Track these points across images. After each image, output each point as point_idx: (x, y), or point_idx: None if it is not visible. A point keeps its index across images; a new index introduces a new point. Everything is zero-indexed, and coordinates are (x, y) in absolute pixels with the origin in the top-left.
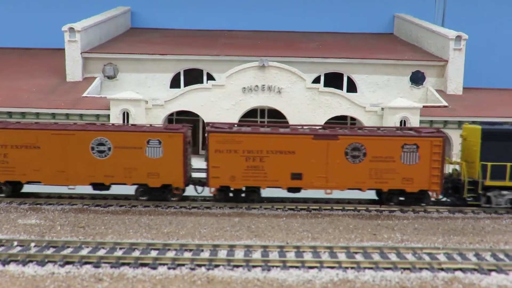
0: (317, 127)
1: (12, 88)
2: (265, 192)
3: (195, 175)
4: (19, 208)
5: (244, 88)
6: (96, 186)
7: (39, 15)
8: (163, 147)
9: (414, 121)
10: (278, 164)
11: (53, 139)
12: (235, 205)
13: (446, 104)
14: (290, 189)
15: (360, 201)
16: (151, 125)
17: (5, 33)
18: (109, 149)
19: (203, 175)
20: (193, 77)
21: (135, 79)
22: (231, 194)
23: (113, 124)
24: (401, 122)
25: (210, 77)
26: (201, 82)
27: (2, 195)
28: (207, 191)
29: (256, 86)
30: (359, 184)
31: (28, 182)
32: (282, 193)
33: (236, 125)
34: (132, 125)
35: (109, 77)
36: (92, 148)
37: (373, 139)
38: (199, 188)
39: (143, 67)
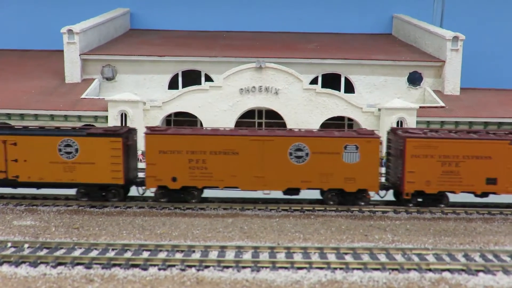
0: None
1: (11, 90)
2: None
3: None
4: (15, 209)
5: (241, 89)
6: (288, 191)
7: (38, 17)
8: (360, 152)
9: (411, 121)
10: (473, 169)
11: (251, 145)
12: (230, 206)
13: (443, 104)
14: (484, 194)
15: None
16: (342, 130)
17: (4, 35)
18: (307, 154)
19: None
20: (192, 78)
21: (133, 80)
22: (419, 199)
23: (307, 130)
24: (398, 122)
25: (208, 78)
26: (200, 83)
27: (194, 200)
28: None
29: (253, 87)
30: None
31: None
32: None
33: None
34: (320, 130)
35: (108, 79)
36: (290, 154)
37: None
38: (382, 193)
39: (142, 69)
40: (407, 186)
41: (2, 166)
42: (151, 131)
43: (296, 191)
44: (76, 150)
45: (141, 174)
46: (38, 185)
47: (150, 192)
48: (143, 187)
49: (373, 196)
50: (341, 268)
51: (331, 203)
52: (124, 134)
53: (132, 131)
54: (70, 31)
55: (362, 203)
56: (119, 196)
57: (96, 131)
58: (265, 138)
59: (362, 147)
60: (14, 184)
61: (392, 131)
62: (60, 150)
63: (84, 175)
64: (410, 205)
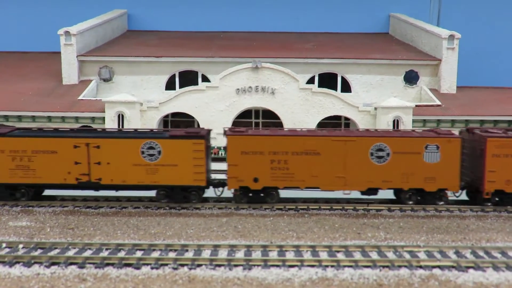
0: None
1: (9, 92)
2: None
3: None
4: (11, 210)
5: (237, 89)
6: (367, 191)
7: (36, 19)
8: (441, 152)
9: (407, 120)
10: None
11: (333, 145)
12: (224, 205)
13: (439, 103)
14: None
15: (348, 201)
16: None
17: (1, 37)
18: (388, 154)
19: None
20: (189, 79)
21: (130, 81)
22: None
23: (385, 130)
24: (394, 121)
25: (205, 79)
26: (197, 83)
27: (272, 201)
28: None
29: (250, 87)
30: None
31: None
32: None
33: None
34: (398, 130)
35: (105, 80)
36: (371, 154)
37: None
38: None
39: (139, 70)
40: (487, 185)
41: (85, 169)
42: (233, 132)
43: (375, 191)
44: (159, 152)
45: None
46: (121, 188)
47: (229, 193)
48: (219, 188)
49: (451, 195)
50: (332, 266)
51: (410, 202)
52: (206, 136)
53: (209, 133)
54: (67, 33)
55: (441, 203)
56: (199, 198)
57: (178, 133)
58: (347, 138)
59: (443, 147)
60: (97, 186)
61: (468, 131)
62: (142, 152)
63: (167, 177)
64: (489, 204)
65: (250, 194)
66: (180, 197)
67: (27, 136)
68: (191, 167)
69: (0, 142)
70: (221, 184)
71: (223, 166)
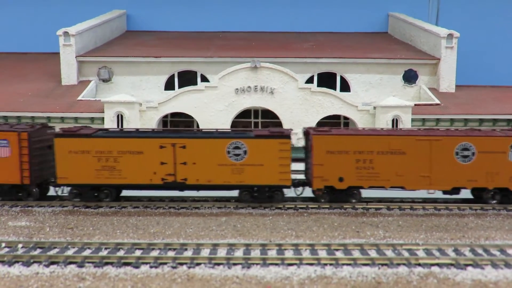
0: None
1: (8, 93)
2: None
3: None
4: (10, 210)
5: (236, 89)
6: (451, 190)
7: (35, 20)
8: None
9: (406, 119)
10: None
11: (419, 145)
12: (224, 205)
13: (438, 102)
14: None
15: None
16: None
17: (0, 38)
18: (473, 154)
19: None
20: (188, 79)
21: (130, 82)
22: None
23: (470, 129)
24: (393, 120)
25: (204, 79)
26: (196, 84)
27: (354, 200)
28: None
29: (249, 87)
30: None
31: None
32: None
33: None
34: (481, 129)
35: (104, 80)
36: (456, 153)
37: None
38: None
39: (138, 70)
40: None
41: (171, 169)
42: (318, 132)
43: (457, 190)
44: (245, 152)
45: None
46: (206, 188)
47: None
48: (298, 188)
49: None
50: (331, 264)
51: (493, 202)
52: (290, 136)
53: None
54: (66, 33)
55: None
56: (283, 198)
57: (263, 133)
58: (433, 138)
59: None
60: (182, 187)
61: None
62: (228, 152)
63: (252, 177)
64: None
65: (333, 194)
66: (264, 197)
67: (113, 137)
68: (277, 167)
69: (86, 143)
70: (301, 184)
71: (296, 166)
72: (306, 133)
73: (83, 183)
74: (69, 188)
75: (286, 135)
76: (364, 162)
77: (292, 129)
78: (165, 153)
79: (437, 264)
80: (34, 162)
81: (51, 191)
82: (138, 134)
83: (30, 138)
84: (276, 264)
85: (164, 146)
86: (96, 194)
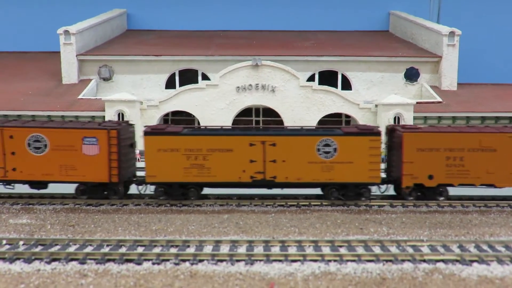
0: None
1: (9, 91)
2: None
3: None
4: (11, 208)
5: (238, 87)
6: None
7: (35, 19)
8: None
9: (407, 117)
10: None
11: (510, 142)
12: (226, 202)
13: (440, 100)
14: None
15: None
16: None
17: (1, 37)
18: None
19: None
20: (188, 77)
21: (130, 80)
22: None
23: None
24: (395, 118)
25: (205, 77)
26: (196, 82)
27: (441, 198)
28: None
29: (250, 85)
30: None
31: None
32: None
33: None
34: None
35: (105, 79)
36: None
37: None
38: None
39: (138, 69)
40: None
41: (260, 167)
42: (408, 129)
43: None
44: (335, 149)
45: None
46: (295, 185)
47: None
48: (380, 186)
49: None
50: (335, 260)
51: None
52: (380, 133)
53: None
54: (66, 32)
55: None
56: (369, 195)
57: (352, 130)
58: None
59: None
60: (271, 184)
61: None
62: (318, 150)
63: (342, 174)
64: None
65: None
66: (353, 194)
67: (203, 135)
68: (367, 164)
69: (176, 140)
70: (385, 181)
71: None
72: (392, 130)
73: (171, 181)
74: (153, 187)
75: (376, 132)
76: (454, 159)
77: (379, 126)
78: (255, 151)
79: (442, 260)
80: (122, 160)
81: (132, 189)
82: (228, 132)
83: (119, 135)
84: (280, 261)
85: (254, 144)
86: (184, 192)
